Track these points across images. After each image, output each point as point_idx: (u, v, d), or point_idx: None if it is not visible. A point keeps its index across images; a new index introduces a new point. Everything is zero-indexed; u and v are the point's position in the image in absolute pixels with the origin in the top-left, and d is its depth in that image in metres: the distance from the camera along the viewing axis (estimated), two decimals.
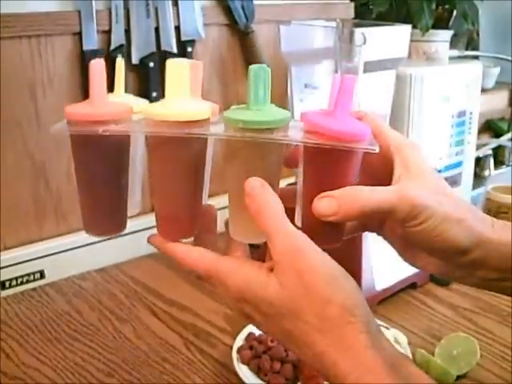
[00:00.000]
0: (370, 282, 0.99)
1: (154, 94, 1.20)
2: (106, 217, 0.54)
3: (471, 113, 1.34)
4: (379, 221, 0.51)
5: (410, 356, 0.85)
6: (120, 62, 0.56)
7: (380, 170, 0.52)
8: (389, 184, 0.50)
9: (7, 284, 1.09)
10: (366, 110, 0.54)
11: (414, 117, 1.23)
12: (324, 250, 0.47)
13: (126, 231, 1.21)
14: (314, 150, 0.47)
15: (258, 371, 0.83)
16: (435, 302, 1.05)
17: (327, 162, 0.48)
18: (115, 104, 0.49)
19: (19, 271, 1.10)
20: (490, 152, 1.64)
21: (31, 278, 1.11)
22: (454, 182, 1.34)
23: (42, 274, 1.12)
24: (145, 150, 0.52)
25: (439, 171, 1.29)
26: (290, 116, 0.48)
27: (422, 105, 1.23)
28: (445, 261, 0.51)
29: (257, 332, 0.88)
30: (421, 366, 0.84)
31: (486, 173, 1.63)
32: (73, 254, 1.15)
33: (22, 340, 0.97)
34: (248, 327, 0.90)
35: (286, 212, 0.48)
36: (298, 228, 0.48)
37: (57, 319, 1.02)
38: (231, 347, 0.88)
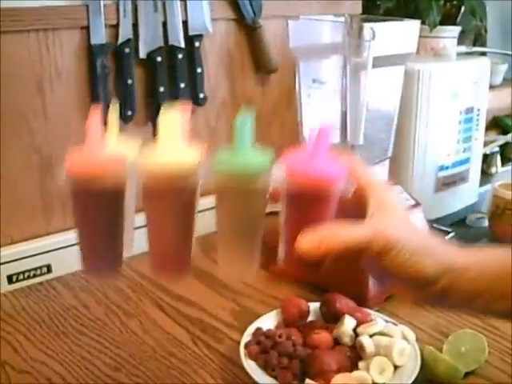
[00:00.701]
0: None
1: (161, 89, 1.20)
2: (103, 258, 0.57)
3: (479, 109, 1.34)
4: (358, 254, 0.54)
5: (418, 352, 0.84)
6: (113, 107, 0.58)
7: (356, 206, 0.56)
8: (363, 219, 0.55)
9: (14, 278, 1.09)
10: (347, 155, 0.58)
11: (421, 113, 1.23)
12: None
13: (134, 225, 1.22)
14: (295, 192, 0.52)
15: (265, 366, 0.82)
16: None
17: (306, 202, 0.52)
18: (111, 154, 0.52)
19: (26, 265, 1.10)
20: (497, 149, 1.63)
21: (38, 272, 1.11)
22: (461, 178, 1.34)
23: (48, 269, 1.12)
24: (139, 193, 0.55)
25: (446, 168, 1.29)
26: (272, 160, 0.52)
27: (429, 101, 1.23)
28: (418, 289, 0.55)
29: (264, 327, 0.88)
30: (429, 363, 0.84)
31: (493, 170, 1.63)
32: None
33: (29, 334, 0.97)
34: (255, 322, 0.90)
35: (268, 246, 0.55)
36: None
37: (64, 313, 1.02)
38: (238, 342, 0.88)
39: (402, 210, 0.58)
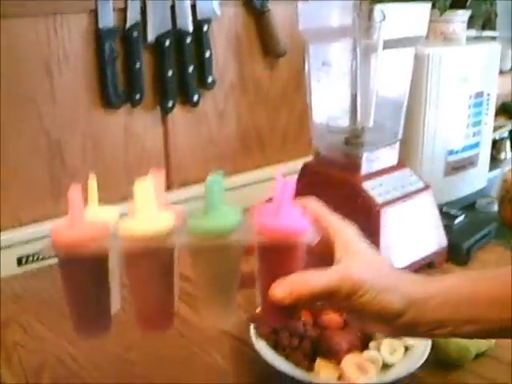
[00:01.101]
0: (388, 260, 0.98)
1: (170, 73, 1.19)
2: (92, 322, 0.61)
3: (489, 94, 1.33)
4: (328, 297, 0.57)
5: None
6: (92, 181, 0.63)
7: (324, 250, 0.60)
8: (332, 261, 0.59)
9: (23, 260, 1.09)
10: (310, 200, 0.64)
11: (431, 97, 1.22)
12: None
13: None
14: (264, 245, 0.56)
15: (275, 346, 0.82)
16: None
17: (276, 254, 0.56)
18: (93, 225, 0.56)
19: (35, 248, 1.10)
20: (507, 134, 1.63)
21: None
22: (470, 163, 1.33)
23: None
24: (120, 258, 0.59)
25: (456, 152, 1.28)
26: (241, 218, 0.56)
27: (439, 85, 1.22)
28: (387, 323, 0.58)
29: None
30: (440, 344, 0.84)
31: (503, 155, 1.62)
32: None
33: (39, 315, 0.97)
34: None
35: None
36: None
37: None
38: (249, 323, 0.88)
39: (367, 251, 0.61)
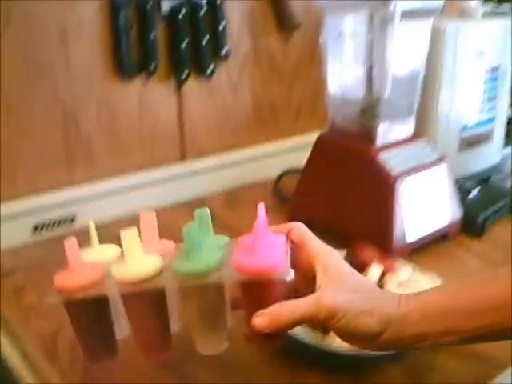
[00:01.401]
0: (401, 232, 0.99)
1: (184, 44, 1.19)
2: (97, 349, 0.67)
3: (504, 69, 1.32)
4: (307, 322, 0.61)
5: None
6: (91, 225, 0.69)
7: (310, 272, 0.63)
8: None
9: (39, 228, 1.10)
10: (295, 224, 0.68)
11: (447, 71, 1.21)
12: None
13: (158, 179, 1.23)
14: (244, 282, 0.61)
15: None
16: (468, 253, 1.05)
17: (254, 287, 0.61)
18: (91, 270, 0.63)
19: (51, 215, 1.11)
20: None
21: (63, 222, 1.12)
22: (485, 138, 1.33)
23: (73, 219, 1.13)
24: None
25: (470, 127, 1.28)
26: (220, 257, 0.61)
27: (455, 59, 1.22)
28: (369, 342, 0.61)
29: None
30: None
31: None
32: (104, 200, 1.16)
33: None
34: None
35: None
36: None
37: None
38: None
39: (346, 273, 0.64)
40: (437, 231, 1.05)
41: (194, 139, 1.27)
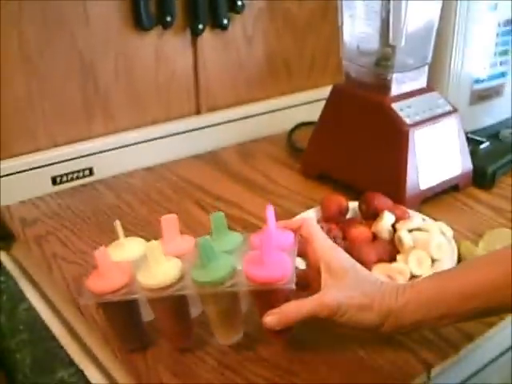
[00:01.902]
0: (414, 180, 1.00)
1: (200, 26, 1.20)
2: (129, 339, 0.75)
3: None
4: (313, 318, 0.67)
5: (455, 247, 0.87)
6: (118, 224, 0.76)
7: (316, 266, 0.70)
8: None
9: (58, 180, 1.12)
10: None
11: (460, 23, 1.21)
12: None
13: (174, 131, 1.25)
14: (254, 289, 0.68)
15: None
16: (477, 204, 1.06)
17: (265, 295, 0.69)
18: (120, 275, 0.69)
19: (69, 168, 1.13)
20: None
21: (81, 174, 1.14)
22: (496, 92, 1.34)
23: (91, 171, 1.15)
24: None
25: (482, 81, 1.29)
26: (234, 266, 0.68)
27: (468, 11, 1.21)
28: (372, 332, 0.68)
29: None
30: (465, 257, 0.87)
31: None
32: (120, 153, 1.18)
33: (76, 230, 1.01)
34: (296, 217, 0.92)
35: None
36: None
37: (108, 211, 1.06)
38: None
39: (349, 269, 0.69)
40: (447, 181, 1.06)
41: (209, 92, 1.28)
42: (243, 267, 0.68)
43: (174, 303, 0.71)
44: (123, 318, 0.73)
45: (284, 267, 0.67)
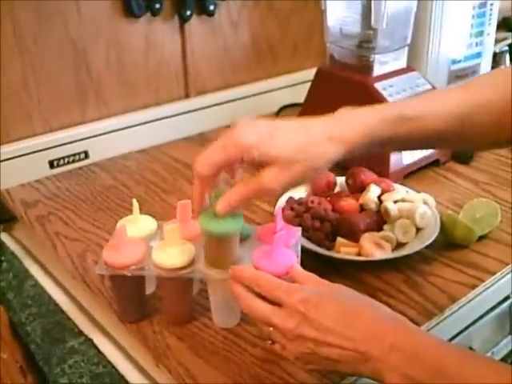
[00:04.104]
0: (397, 155, 1.06)
1: (188, 13, 1.24)
2: (131, 311, 0.79)
3: (492, 4, 1.36)
4: None
5: (438, 217, 0.92)
6: (135, 203, 0.80)
7: None
8: None
9: (55, 163, 1.16)
10: None
11: (437, 7, 1.26)
12: None
13: (165, 115, 1.29)
14: None
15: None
16: (457, 177, 1.12)
17: None
18: (135, 250, 0.75)
19: (65, 152, 1.17)
20: (507, 48, 1.67)
21: (77, 158, 1.18)
22: (472, 72, 1.39)
23: (86, 155, 1.19)
24: None
25: (459, 61, 1.34)
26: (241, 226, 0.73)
27: None
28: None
29: (296, 196, 0.96)
30: (447, 226, 0.92)
31: (502, 68, 1.67)
32: (114, 136, 1.22)
33: (76, 210, 1.05)
34: (287, 193, 0.97)
35: None
36: None
37: (105, 192, 1.10)
38: (271, 213, 0.96)
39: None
40: (429, 157, 1.12)
41: (197, 76, 1.33)
42: (253, 259, 0.72)
43: (181, 284, 0.75)
44: (130, 291, 0.77)
45: (290, 262, 0.71)
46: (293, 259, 0.72)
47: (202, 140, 1.30)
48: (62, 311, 0.87)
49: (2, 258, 0.99)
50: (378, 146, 0.71)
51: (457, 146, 0.82)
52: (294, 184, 0.68)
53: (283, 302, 0.63)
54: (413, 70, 1.14)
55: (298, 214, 0.92)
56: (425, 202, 0.95)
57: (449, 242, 0.92)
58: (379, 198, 0.95)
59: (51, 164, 1.16)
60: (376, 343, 0.57)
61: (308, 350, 0.60)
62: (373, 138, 0.69)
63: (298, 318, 0.61)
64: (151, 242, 0.78)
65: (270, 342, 0.65)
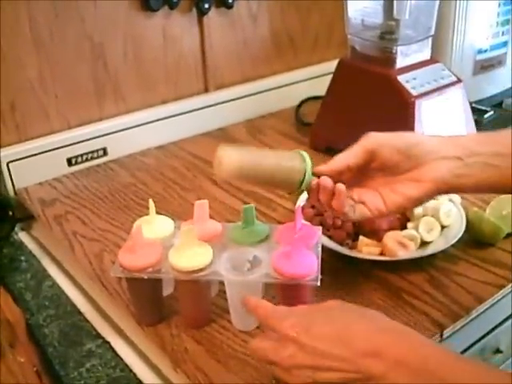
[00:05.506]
0: None
1: (206, 6, 1.22)
2: (148, 314, 0.78)
3: None
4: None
5: (464, 214, 0.90)
6: (151, 203, 0.80)
7: None
8: None
9: (73, 161, 1.15)
10: None
11: None
12: None
13: (183, 110, 1.27)
14: (280, 283, 0.72)
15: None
16: None
17: (288, 289, 0.72)
18: (151, 253, 0.73)
19: (83, 149, 1.16)
20: None
21: (95, 155, 1.17)
22: (498, 62, 1.36)
23: (105, 152, 1.18)
24: None
25: (485, 51, 1.31)
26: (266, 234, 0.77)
27: None
28: None
29: None
30: (473, 224, 0.89)
31: None
32: (133, 132, 1.21)
33: (94, 208, 1.04)
34: None
35: None
36: None
37: (124, 190, 1.09)
38: (291, 210, 0.94)
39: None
40: None
41: (216, 70, 1.31)
42: (272, 261, 0.71)
43: (199, 287, 0.74)
44: (147, 294, 0.76)
45: (310, 265, 0.70)
46: (313, 261, 0.71)
47: (221, 135, 1.28)
48: (80, 313, 0.86)
49: (22, 258, 0.99)
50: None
51: None
52: None
53: (276, 331, 0.60)
54: (437, 61, 1.11)
55: (318, 212, 0.89)
56: (450, 199, 0.92)
57: (475, 240, 0.89)
58: None
59: (69, 161, 1.15)
60: (377, 359, 0.54)
61: (308, 378, 0.57)
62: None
63: (292, 347, 0.58)
64: (170, 241, 0.76)
65: (274, 382, 0.64)
